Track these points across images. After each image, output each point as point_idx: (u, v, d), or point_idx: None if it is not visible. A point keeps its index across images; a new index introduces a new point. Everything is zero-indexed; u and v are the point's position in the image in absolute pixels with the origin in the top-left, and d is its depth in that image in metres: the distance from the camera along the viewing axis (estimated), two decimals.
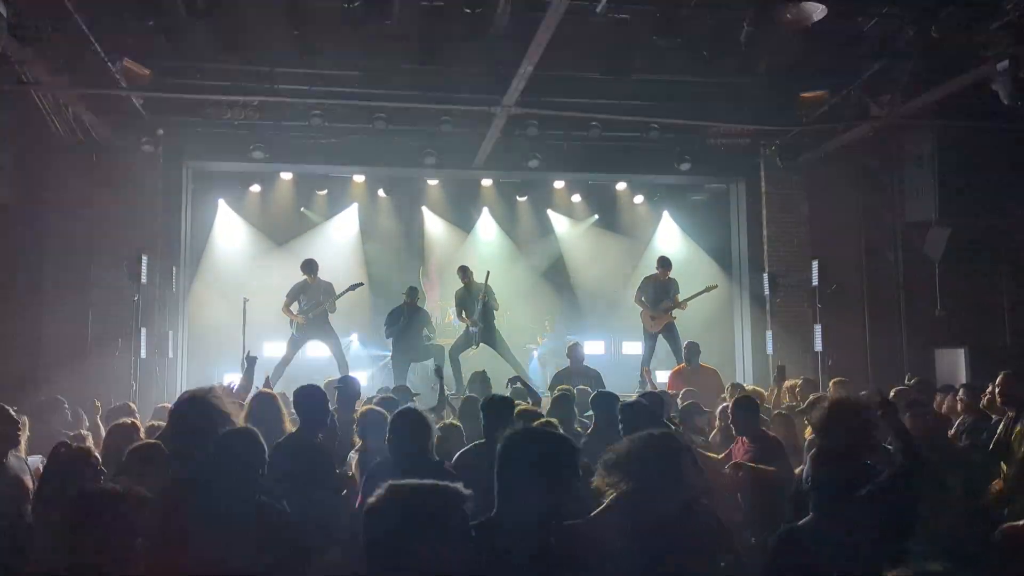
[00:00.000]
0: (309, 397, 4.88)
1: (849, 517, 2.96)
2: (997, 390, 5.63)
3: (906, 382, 8.22)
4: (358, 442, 5.07)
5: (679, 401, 7.02)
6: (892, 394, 7.13)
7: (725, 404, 6.50)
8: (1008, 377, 5.58)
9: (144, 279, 9.81)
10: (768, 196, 11.87)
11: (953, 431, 6.12)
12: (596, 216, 14.16)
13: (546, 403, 7.85)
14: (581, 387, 6.97)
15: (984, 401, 6.26)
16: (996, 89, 7.83)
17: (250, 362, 6.96)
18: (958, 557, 3.46)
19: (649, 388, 8.26)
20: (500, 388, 7.83)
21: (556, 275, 14.26)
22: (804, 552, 2.92)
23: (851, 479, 3.10)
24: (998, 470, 5.19)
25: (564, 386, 6.62)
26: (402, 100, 9.93)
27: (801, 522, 3.06)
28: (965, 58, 8.18)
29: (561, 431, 3.43)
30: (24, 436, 5.02)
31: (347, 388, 6.42)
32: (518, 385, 7.20)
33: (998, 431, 5.42)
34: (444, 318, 12.85)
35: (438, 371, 7.64)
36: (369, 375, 11.31)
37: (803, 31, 7.72)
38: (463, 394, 8.67)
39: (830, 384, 8.38)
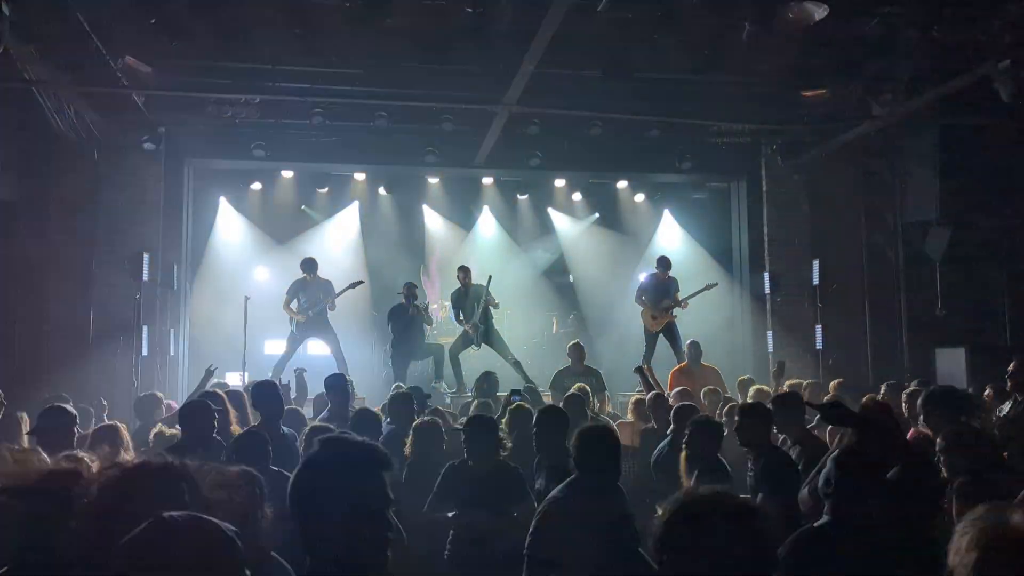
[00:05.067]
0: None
1: (868, 517, 2.96)
2: (1008, 381, 5.86)
3: (906, 383, 8.22)
4: None
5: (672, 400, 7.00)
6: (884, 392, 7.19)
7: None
8: (1021, 363, 5.72)
9: (146, 277, 9.82)
10: (769, 195, 11.87)
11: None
12: (597, 215, 14.17)
13: (546, 399, 7.88)
14: (581, 386, 6.95)
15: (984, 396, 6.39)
16: (997, 88, 7.83)
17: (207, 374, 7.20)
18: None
19: (653, 385, 8.21)
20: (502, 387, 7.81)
21: (557, 274, 14.27)
22: (822, 554, 2.91)
23: (873, 480, 3.11)
24: None
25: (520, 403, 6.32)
26: (403, 98, 9.94)
27: (817, 524, 3.06)
28: (966, 58, 8.18)
29: None
30: (24, 432, 5.11)
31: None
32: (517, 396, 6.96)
33: (1003, 413, 5.53)
34: (442, 312, 12.87)
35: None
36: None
37: (805, 30, 7.72)
38: (464, 392, 8.65)
39: (831, 385, 8.38)
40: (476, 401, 7.12)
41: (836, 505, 3.03)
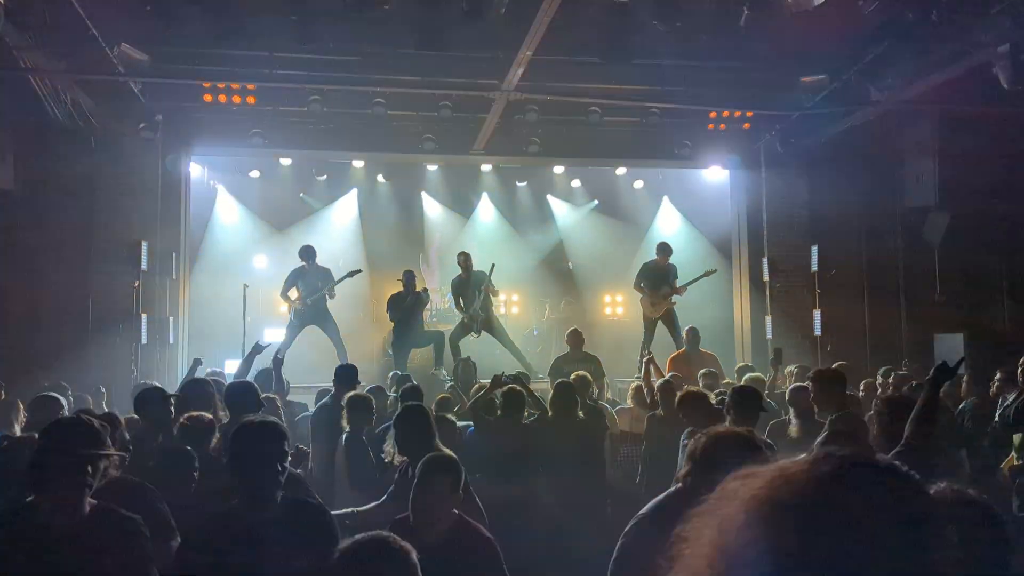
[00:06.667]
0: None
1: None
2: (1020, 368, 5.91)
3: (903, 367, 8.26)
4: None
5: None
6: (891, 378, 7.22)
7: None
8: None
9: (144, 265, 9.82)
10: (768, 181, 11.85)
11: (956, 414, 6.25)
12: (596, 201, 14.16)
13: (543, 387, 7.88)
14: (580, 373, 6.95)
15: (993, 388, 6.39)
16: (997, 73, 7.81)
17: (254, 350, 7.07)
18: None
19: (654, 373, 8.19)
20: (485, 375, 7.79)
21: (556, 260, 14.27)
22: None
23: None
24: (1004, 452, 5.27)
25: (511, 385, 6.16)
26: (401, 85, 9.90)
27: None
28: (966, 43, 8.15)
29: None
30: (19, 421, 5.13)
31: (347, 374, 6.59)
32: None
33: (1014, 403, 5.54)
34: (443, 302, 12.88)
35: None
36: None
37: (803, 15, 7.69)
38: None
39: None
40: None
41: None
